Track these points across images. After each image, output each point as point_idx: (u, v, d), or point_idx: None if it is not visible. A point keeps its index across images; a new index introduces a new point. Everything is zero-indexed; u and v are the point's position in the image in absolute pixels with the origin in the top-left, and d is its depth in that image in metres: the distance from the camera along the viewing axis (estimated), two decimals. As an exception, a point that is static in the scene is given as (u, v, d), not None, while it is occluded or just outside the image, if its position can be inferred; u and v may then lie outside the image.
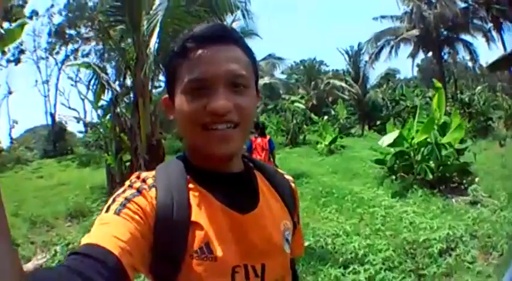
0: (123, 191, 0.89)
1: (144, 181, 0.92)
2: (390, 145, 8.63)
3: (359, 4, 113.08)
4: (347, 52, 32.03)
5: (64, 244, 6.57)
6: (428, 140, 8.62)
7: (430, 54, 30.95)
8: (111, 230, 0.79)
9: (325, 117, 23.29)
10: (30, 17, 25.84)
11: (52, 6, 27.01)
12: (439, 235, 5.55)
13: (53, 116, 29.54)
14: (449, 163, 8.54)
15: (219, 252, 0.87)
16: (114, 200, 0.87)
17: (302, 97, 27.37)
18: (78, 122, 21.40)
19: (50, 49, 28.43)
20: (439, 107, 9.22)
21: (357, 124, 28.46)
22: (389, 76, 35.51)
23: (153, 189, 0.90)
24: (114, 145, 10.77)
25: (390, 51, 29.50)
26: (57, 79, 30.95)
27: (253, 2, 9.39)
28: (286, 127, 22.90)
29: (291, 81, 41.47)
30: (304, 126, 23.92)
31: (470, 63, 31.99)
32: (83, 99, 28.28)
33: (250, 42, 24.02)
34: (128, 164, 9.47)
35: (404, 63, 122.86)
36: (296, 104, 24.86)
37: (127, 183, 0.93)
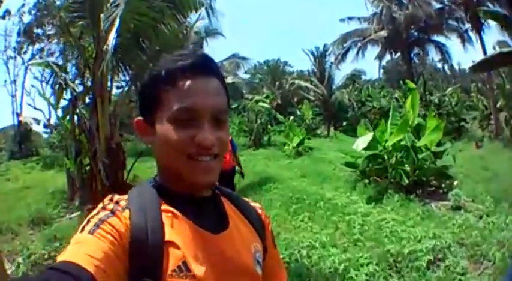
0: (97, 213, 0.90)
1: (117, 202, 0.92)
2: (365, 148, 8.15)
3: (325, 5, 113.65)
4: (312, 53, 31.90)
5: (26, 256, 6.27)
6: (403, 142, 8.23)
7: (397, 55, 31.05)
8: (84, 248, 0.79)
9: (291, 117, 22.73)
10: (3, 17, 25.29)
11: (23, 5, 25.76)
12: (425, 246, 5.15)
13: (18, 116, 28.29)
14: (426, 166, 8.19)
15: (197, 271, 0.88)
16: (88, 221, 0.87)
17: (267, 97, 26.82)
18: (38, 123, 20.17)
19: (19, 48, 27.34)
20: (413, 108, 8.88)
21: (322, 125, 28.25)
22: (354, 77, 35.73)
23: (127, 210, 0.90)
24: (74, 147, 10.07)
25: (357, 53, 29.66)
26: (24, 79, 29.35)
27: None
28: (249, 128, 22.31)
29: (255, 81, 41.19)
30: (269, 126, 23.46)
31: (439, 65, 32.22)
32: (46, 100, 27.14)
33: (214, 41, 23.38)
34: (88, 168, 8.76)
35: (371, 64, 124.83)
36: (261, 103, 24.35)
37: (100, 205, 0.93)
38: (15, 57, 28.43)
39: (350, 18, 30.10)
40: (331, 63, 31.11)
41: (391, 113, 9.22)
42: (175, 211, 0.94)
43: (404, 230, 5.83)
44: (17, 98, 30.67)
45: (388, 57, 32.31)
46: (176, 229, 0.91)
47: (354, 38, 30.15)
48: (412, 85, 9.30)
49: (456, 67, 44.57)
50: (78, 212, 8.78)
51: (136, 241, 0.85)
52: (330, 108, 28.39)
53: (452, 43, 47.38)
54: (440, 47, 28.66)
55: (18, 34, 26.66)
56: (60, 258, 0.78)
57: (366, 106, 27.59)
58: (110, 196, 0.96)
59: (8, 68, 29.69)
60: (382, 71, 43.26)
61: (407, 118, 8.39)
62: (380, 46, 29.70)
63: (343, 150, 16.83)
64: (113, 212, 0.89)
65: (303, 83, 31.23)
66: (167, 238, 0.88)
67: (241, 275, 0.97)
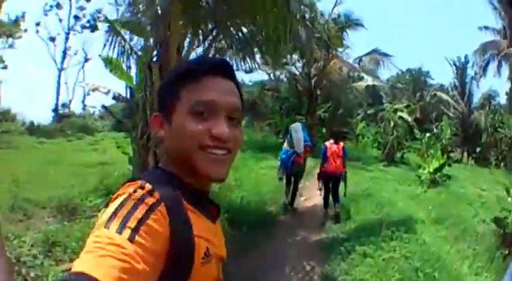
0: (134, 207, 0.86)
1: (150, 193, 0.90)
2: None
3: (463, 13, 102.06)
4: (454, 63, 28.78)
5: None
6: None
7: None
8: (119, 263, 0.75)
9: (427, 134, 20.50)
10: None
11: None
12: None
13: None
14: None
15: (212, 252, 0.98)
16: (117, 215, 0.84)
17: (407, 106, 24.38)
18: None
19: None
20: None
21: (457, 148, 25.16)
22: (491, 98, 31.84)
23: (163, 205, 0.89)
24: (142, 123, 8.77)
25: (498, 68, 25.56)
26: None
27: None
28: (384, 140, 20.53)
29: (397, 86, 38.71)
30: (404, 141, 21.40)
31: None
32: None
33: (354, 33, 21.75)
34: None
35: (503, 85, 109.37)
36: (400, 113, 22.02)
37: (130, 193, 0.89)
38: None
39: (486, 28, 26.48)
40: (472, 77, 28.36)
41: None
42: (189, 204, 0.97)
43: None
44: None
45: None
46: (194, 221, 0.95)
47: (492, 50, 26.24)
48: None
49: None
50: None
51: (175, 239, 0.87)
52: (467, 130, 25.56)
53: None
54: None
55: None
56: (85, 265, 0.74)
57: (499, 133, 23.97)
58: (138, 183, 0.93)
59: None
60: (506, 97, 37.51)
61: None
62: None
63: (482, 187, 14.56)
64: (151, 208, 0.86)
65: (444, 96, 28.91)
66: (195, 231, 0.93)
67: (221, 261, 1.08)
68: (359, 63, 22.59)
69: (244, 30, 7.62)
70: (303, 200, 10.70)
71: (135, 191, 0.90)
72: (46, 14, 33.71)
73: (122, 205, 0.86)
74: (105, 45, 7.32)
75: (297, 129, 8.73)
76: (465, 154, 25.33)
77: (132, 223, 0.82)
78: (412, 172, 16.28)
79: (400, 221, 7.98)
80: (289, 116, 22.05)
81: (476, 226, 8.69)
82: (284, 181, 9.14)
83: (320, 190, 9.25)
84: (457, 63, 29.13)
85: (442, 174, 14.37)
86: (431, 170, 14.04)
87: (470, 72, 28.82)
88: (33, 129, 23.28)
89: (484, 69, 26.63)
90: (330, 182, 8.77)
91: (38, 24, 34.09)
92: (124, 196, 0.89)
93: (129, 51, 7.66)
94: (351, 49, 23.15)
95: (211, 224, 1.04)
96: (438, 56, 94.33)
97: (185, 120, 0.98)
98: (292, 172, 8.93)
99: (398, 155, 20.23)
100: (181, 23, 6.65)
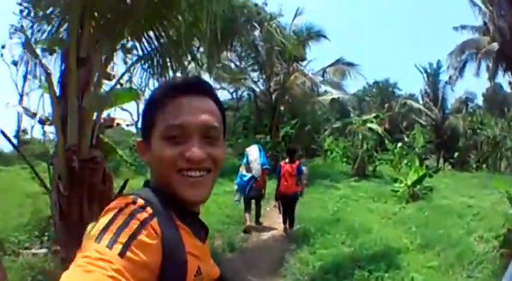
0: (125, 222, 0.84)
1: (142, 208, 0.89)
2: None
3: (434, 16, 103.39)
4: (425, 70, 27.87)
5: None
6: None
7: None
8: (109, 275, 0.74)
9: (399, 144, 19.61)
10: None
11: None
12: None
13: None
14: None
15: (203, 271, 0.96)
16: (108, 230, 0.82)
17: (376, 116, 22.87)
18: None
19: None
20: None
21: (431, 155, 24.06)
22: (468, 100, 31.27)
23: (155, 220, 0.87)
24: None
25: (478, 65, 24.46)
26: None
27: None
28: (353, 154, 18.94)
29: (364, 99, 37.64)
30: (375, 153, 19.81)
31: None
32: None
33: (317, 45, 20.38)
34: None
35: (481, 86, 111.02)
36: (369, 124, 20.60)
37: (122, 207, 0.88)
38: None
39: (463, 27, 25.35)
40: (446, 82, 27.53)
41: None
42: (182, 224, 0.96)
43: None
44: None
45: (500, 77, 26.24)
46: (185, 238, 0.93)
47: (471, 49, 25.06)
48: None
49: None
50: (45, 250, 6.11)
51: (168, 256, 0.85)
52: (441, 136, 24.89)
53: None
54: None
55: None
56: (72, 279, 0.74)
57: (480, 135, 22.90)
58: (130, 198, 0.92)
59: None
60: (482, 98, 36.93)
61: None
62: (491, 62, 24.27)
63: (469, 195, 13.03)
64: (143, 223, 0.85)
65: (415, 105, 28.26)
66: (186, 248, 0.91)
67: None
68: (323, 75, 21.09)
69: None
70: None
71: (126, 206, 0.88)
72: (11, 37, 31.23)
73: (113, 219, 0.84)
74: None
75: (253, 153, 8.39)
76: (441, 160, 24.40)
77: (123, 238, 0.80)
78: (386, 185, 14.79)
79: (378, 255, 6.17)
80: (248, 136, 20.31)
81: (474, 247, 7.00)
82: (242, 204, 8.74)
83: (275, 207, 9.28)
84: (428, 70, 28.49)
85: (423, 186, 12.66)
86: (409, 183, 12.32)
87: (443, 77, 28.11)
88: (-5, 157, 22.12)
89: (461, 70, 25.28)
90: (286, 201, 8.42)
91: (3, 47, 31.62)
92: (115, 210, 0.87)
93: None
94: (314, 62, 21.68)
95: (200, 244, 1.02)
96: (405, 66, 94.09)
97: (160, 146, 0.98)
98: (252, 197, 8.62)
99: (370, 168, 18.66)
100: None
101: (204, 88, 1.04)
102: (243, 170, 8.49)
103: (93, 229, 0.84)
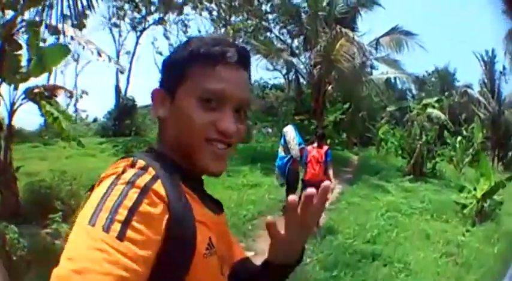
0: (123, 193, 0.74)
1: (143, 168, 0.80)
2: None
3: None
4: (482, 58, 25.69)
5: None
6: None
7: None
8: (116, 268, 0.66)
9: (459, 138, 17.60)
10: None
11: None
12: None
13: (117, 89, 25.87)
14: None
15: (216, 245, 0.88)
16: (104, 206, 0.72)
17: (439, 100, 19.34)
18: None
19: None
20: None
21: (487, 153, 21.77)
22: None
23: (159, 182, 0.78)
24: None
25: None
26: (134, 50, 27.69)
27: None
28: (410, 147, 15.77)
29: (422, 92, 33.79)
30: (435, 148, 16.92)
31: None
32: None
33: (370, 15, 17.34)
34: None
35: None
36: (430, 109, 17.35)
37: (119, 174, 0.78)
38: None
39: None
40: (500, 72, 25.38)
41: None
42: (189, 191, 0.88)
43: None
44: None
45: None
46: (194, 206, 0.85)
47: None
48: None
49: None
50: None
51: (174, 219, 0.77)
52: (496, 132, 22.72)
53: None
54: None
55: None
56: (72, 265, 0.65)
57: None
58: (129, 160, 0.83)
59: (113, 35, 28.13)
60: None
61: None
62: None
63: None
64: (144, 190, 0.75)
65: (475, 94, 25.54)
66: (196, 216, 0.83)
67: (228, 264, 0.97)
68: (376, 49, 17.78)
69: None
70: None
71: (124, 171, 0.79)
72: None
73: (109, 191, 0.75)
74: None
75: (290, 133, 7.80)
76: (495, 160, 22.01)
77: (121, 215, 0.71)
78: (447, 190, 11.93)
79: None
80: (285, 120, 17.66)
81: None
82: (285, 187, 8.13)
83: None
84: (485, 58, 25.59)
85: (493, 201, 9.57)
86: (478, 194, 9.28)
87: (498, 67, 25.53)
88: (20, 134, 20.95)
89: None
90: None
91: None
92: (111, 178, 0.77)
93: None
94: (366, 35, 18.49)
95: (213, 215, 0.93)
96: (462, 53, 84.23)
97: (192, 105, 0.89)
98: (291, 179, 7.78)
99: (429, 165, 15.46)
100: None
101: (249, 61, 0.98)
102: (281, 152, 8.00)
103: (87, 204, 0.74)
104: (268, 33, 18.71)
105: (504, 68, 24.35)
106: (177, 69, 0.93)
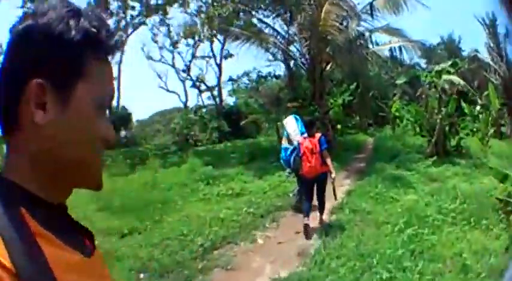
0: None
1: None
2: None
3: None
4: (484, 21, 23.49)
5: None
6: None
7: None
8: None
9: (477, 107, 17.33)
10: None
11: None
12: None
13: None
14: None
15: None
16: None
17: (454, 64, 17.41)
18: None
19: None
20: None
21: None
22: None
23: (0, 242, 0.60)
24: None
25: None
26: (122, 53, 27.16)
27: None
28: (428, 122, 13.28)
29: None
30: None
31: None
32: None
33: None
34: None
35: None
36: (445, 76, 14.96)
37: None
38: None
39: None
40: (504, 35, 22.31)
41: None
42: (43, 231, 0.66)
43: None
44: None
45: None
46: (54, 255, 0.65)
47: None
48: None
49: None
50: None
51: None
52: (510, 96, 20.37)
53: None
54: None
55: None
56: None
57: None
58: None
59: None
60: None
61: None
62: None
63: None
64: None
65: (486, 59, 23.34)
66: (56, 273, 0.63)
67: None
68: (371, 15, 15.19)
69: None
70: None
71: None
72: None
73: None
74: None
75: (290, 124, 7.82)
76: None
77: None
78: (478, 173, 9.78)
79: None
80: (279, 111, 15.81)
81: None
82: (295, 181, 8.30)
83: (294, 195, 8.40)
84: (487, 21, 23.58)
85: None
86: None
87: (501, 30, 23.09)
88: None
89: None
90: (313, 185, 6.96)
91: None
92: None
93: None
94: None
95: (83, 259, 0.72)
96: (461, 21, 78.99)
97: (93, 109, 0.72)
98: (296, 169, 7.43)
99: (453, 142, 12.99)
100: None
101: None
102: (285, 143, 8.02)
103: None
104: (248, 17, 16.59)
105: (507, 30, 22.46)
106: (72, 54, 0.69)
